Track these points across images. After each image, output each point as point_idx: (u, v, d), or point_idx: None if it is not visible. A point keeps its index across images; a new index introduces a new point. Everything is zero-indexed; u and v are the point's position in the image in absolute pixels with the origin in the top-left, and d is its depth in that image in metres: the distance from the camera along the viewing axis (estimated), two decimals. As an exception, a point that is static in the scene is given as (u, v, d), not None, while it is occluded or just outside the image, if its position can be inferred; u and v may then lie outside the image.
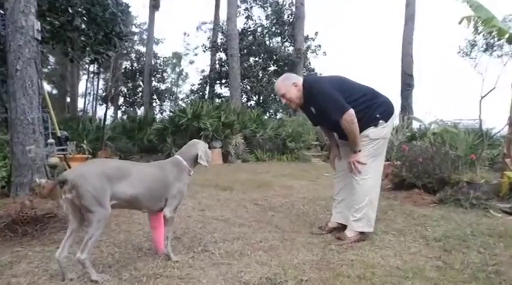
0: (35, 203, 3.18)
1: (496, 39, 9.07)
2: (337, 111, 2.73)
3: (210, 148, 2.75)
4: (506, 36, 4.62)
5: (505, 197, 4.15)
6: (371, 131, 2.84)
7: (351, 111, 2.70)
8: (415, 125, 9.90)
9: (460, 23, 4.70)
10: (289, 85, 2.91)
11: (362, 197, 2.85)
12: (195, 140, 2.64)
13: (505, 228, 3.16)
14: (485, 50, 10.23)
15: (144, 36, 26.86)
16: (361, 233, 2.87)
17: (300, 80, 2.93)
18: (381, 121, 2.85)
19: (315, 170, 8.12)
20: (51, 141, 4.14)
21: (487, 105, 5.25)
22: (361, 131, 2.81)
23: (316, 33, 20.03)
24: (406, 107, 13.12)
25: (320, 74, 20.88)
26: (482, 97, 5.00)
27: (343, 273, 2.23)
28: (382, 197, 4.56)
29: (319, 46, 20.05)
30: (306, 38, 18.91)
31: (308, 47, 19.40)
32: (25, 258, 2.46)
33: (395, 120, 3.06)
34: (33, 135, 4.21)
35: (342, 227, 3.05)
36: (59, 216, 3.17)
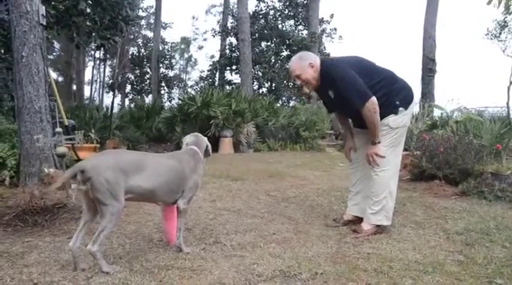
0: (44, 193, 3.26)
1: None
2: (359, 98, 2.67)
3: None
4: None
5: (533, 189, 4.08)
6: (391, 119, 2.80)
7: (374, 99, 2.65)
8: (437, 113, 9.73)
9: (489, 3, 4.58)
10: (305, 65, 2.81)
11: (381, 190, 2.83)
12: (196, 133, 2.71)
13: (532, 221, 3.11)
14: (518, 31, 9.91)
15: (151, 21, 26.89)
16: (378, 226, 2.87)
17: (316, 60, 2.84)
18: (400, 108, 2.80)
19: (329, 160, 8.10)
20: (58, 130, 4.19)
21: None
22: (380, 119, 2.76)
23: (331, 16, 19.79)
24: (427, 94, 12.90)
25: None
26: (511, 83, 4.88)
27: (359, 267, 2.24)
28: (400, 189, 4.53)
29: (335, 29, 19.84)
30: (321, 21, 18.70)
31: (323, 31, 19.19)
32: (36, 248, 2.54)
33: (415, 107, 3.00)
34: (41, 123, 4.28)
35: (358, 220, 3.06)
36: (68, 206, 3.25)
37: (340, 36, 19.87)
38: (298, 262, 2.30)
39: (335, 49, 25.14)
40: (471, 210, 3.49)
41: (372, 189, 2.88)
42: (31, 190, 3.29)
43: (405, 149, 6.46)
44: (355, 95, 2.68)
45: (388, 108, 2.78)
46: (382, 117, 2.77)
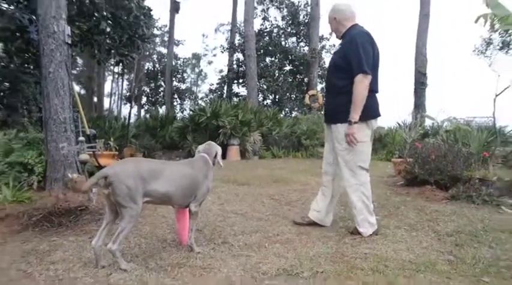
0: (68, 197, 3.31)
1: None
2: (360, 65, 2.61)
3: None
4: (522, 34, 4.49)
5: (518, 194, 4.05)
6: (345, 129, 2.73)
7: (370, 77, 2.62)
8: (428, 123, 9.71)
9: (476, 21, 4.58)
10: (332, 18, 2.89)
11: (357, 200, 2.80)
12: (208, 142, 2.70)
13: (517, 224, 3.09)
14: (501, 48, 9.90)
15: (165, 38, 27.16)
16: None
17: (349, 18, 2.84)
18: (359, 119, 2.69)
19: (329, 167, 8.05)
20: (81, 138, 4.26)
21: (502, 103, 5.13)
22: (335, 121, 2.78)
23: (330, 33, 19.77)
24: (419, 105, 12.86)
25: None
26: (496, 95, 4.88)
27: (357, 266, 2.24)
28: (395, 193, 4.55)
29: (334, 45, 19.80)
30: (321, 38, 18.76)
31: (323, 47, 19.24)
32: (61, 246, 2.57)
33: (374, 125, 2.84)
34: (65, 133, 4.34)
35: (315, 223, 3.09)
36: (89, 209, 3.29)
37: (339, 52, 19.88)
38: (300, 261, 2.31)
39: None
40: (460, 213, 3.47)
41: (350, 201, 2.87)
42: (56, 194, 3.35)
43: (399, 156, 6.49)
44: (357, 60, 2.62)
45: (345, 113, 2.70)
46: (338, 121, 2.76)
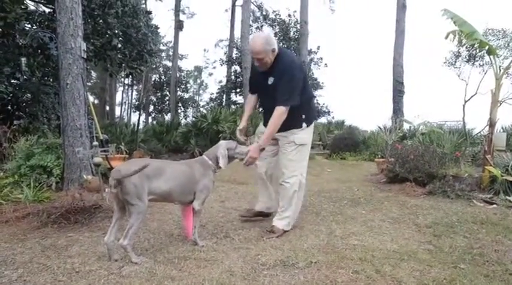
0: (83, 196, 3.26)
1: (477, 50, 8.87)
2: (287, 98, 2.46)
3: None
4: (486, 47, 4.52)
5: (486, 189, 4.07)
6: (296, 137, 2.65)
7: (287, 110, 2.48)
8: (406, 126, 9.75)
9: (446, 37, 4.62)
10: (269, 50, 2.48)
11: (287, 200, 2.69)
12: (221, 142, 2.57)
13: (486, 216, 3.10)
14: (468, 60, 9.98)
15: (170, 53, 27.10)
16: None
17: (277, 47, 2.53)
18: (304, 124, 2.67)
19: (318, 167, 8.06)
20: (95, 143, 4.21)
21: (469, 108, 5.18)
22: (286, 129, 2.60)
23: (318, 47, 19.96)
24: (398, 111, 12.90)
25: (322, 83, 20.83)
26: (465, 102, 4.91)
27: (346, 256, 2.22)
28: (379, 190, 4.55)
29: (321, 58, 19.97)
30: (310, 52, 18.82)
31: (311, 60, 19.31)
32: (77, 242, 2.53)
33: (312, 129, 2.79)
34: (81, 138, 4.30)
35: (264, 213, 3.02)
36: (103, 207, 3.24)
37: (326, 64, 20.00)
38: (296, 253, 2.29)
39: (322, 75, 25.28)
40: (437, 207, 3.47)
41: (280, 199, 2.74)
42: (73, 193, 3.30)
43: (381, 157, 6.49)
44: (287, 93, 2.46)
45: (294, 120, 2.60)
46: (289, 128, 2.61)
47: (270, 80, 2.56)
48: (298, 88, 2.52)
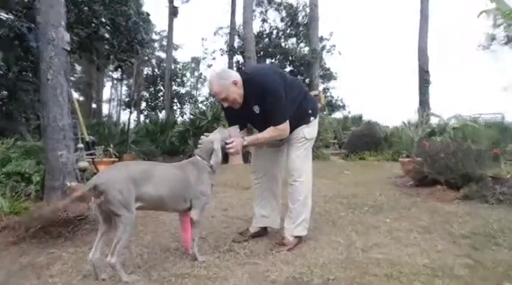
0: (67, 206, 3.24)
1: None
2: (281, 117, 2.51)
3: None
4: (529, 27, 4.42)
5: (533, 192, 3.96)
6: (306, 131, 2.70)
7: (287, 123, 2.55)
8: (434, 121, 9.63)
9: (478, 16, 4.52)
10: (229, 84, 2.44)
11: (301, 200, 2.70)
12: (213, 135, 2.48)
13: (535, 224, 3.01)
14: (506, 43, 9.82)
15: (164, 43, 27.22)
16: (299, 237, 2.72)
17: (237, 76, 2.49)
18: (311, 117, 2.73)
19: (334, 168, 8.00)
20: (80, 146, 4.21)
21: (509, 98, 5.07)
22: (294, 129, 2.65)
23: (330, 34, 19.89)
24: (424, 103, 12.80)
25: (335, 73, 20.73)
26: (504, 91, 4.80)
27: (369, 272, 2.16)
28: (405, 194, 4.48)
29: (334, 46, 19.89)
30: (321, 39, 18.74)
31: (323, 47, 19.23)
32: (60, 259, 2.50)
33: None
34: (64, 140, 4.28)
35: (263, 231, 2.95)
36: (89, 218, 3.22)
37: (339, 52, 19.91)
38: (310, 269, 2.23)
39: (335, 63, 25.22)
40: (475, 214, 3.39)
41: (292, 201, 2.72)
42: (55, 203, 3.28)
43: (407, 156, 6.41)
44: (279, 113, 2.51)
45: (301, 118, 2.68)
46: (296, 127, 2.67)
47: (256, 109, 2.55)
48: (285, 102, 2.53)
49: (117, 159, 6.72)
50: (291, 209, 2.73)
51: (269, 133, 2.54)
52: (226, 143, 2.46)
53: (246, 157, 9.64)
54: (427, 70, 13.24)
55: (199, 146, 2.48)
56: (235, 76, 2.49)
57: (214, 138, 2.44)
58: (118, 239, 2.02)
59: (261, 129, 2.66)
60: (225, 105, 2.53)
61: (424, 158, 4.75)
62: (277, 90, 2.49)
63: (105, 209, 2.04)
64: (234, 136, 2.54)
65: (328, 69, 19.98)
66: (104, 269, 2.16)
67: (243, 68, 18.50)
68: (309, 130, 2.74)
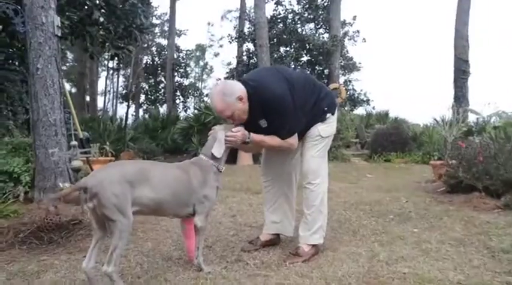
0: (59, 209, 3.33)
1: None
2: (287, 132, 2.61)
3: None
4: None
5: None
6: (321, 128, 2.73)
7: (295, 138, 2.66)
8: (472, 118, 9.52)
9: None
10: (234, 101, 2.44)
11: (317, 206, 2.73)
12: (216, 127, 2.57)
13: None
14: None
15: (166, 28, 27.45)
16: (315, 245, 2.74)
17: (242, 90, 2.50)
18: (328, 114, 2.75)
19: (355, 171, 7.98)
20: (74, 143, 4.28)
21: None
22: (309, 127, 2.72)
23: (354, 18, 19.76)
24: (461, 98, 12.60)
25: (359, 63, 20.60)
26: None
27: (394, 288, 2.17)
28: (436, 201, 4.46)
29: (358, 32, 19.77)
30: (343, 23, 18.67)
31: (345, 33, 19.15)
32: (51, 267, 2.57)
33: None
34: (56, 137, 4.38)
35: (276, 239, 2.98)
36: (84, 223, 3.31)
37: (364, 39, 19.79)
38: (327, 282, 2.25)
39: (359, 52, 25.05)
40: (517, 225, 3.36)
41: (307, 207, 2.76)
42: (46, 206, 3.36)
43: (439, 158, 6.37)
44: (288, 126, 2.60)
45: (316, 116, 2.72)
46: (310, 125, 2.72)
47: (263, 123, 2.61)
48: (296, 114, 2.59)
49: (113, 158, 6.82)
50: (306, 215, 2.76)
51: (276, 141, 2.62)
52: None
53: (256, 157, 9.68)
54: (466, 60, 13.00)
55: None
56: (240, 90, 2.49)
57: (218, 129, 2.52)
58: (114, 246, 2.05)
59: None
60: (231, 122, 2.58)
61: (459, 161, 4.72)
62: (283, 102, 2.53)
63: (99, 214, 2.07)
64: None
65: (351, 59, 19.89)
66: (99, 279, 2.22)
67: (253, 60, 18.54)
68: (325, 128, 2.76)
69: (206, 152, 2.48)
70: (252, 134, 2.57)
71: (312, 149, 2.74)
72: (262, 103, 2.52)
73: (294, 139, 2.65)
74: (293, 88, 2.58)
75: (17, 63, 8.12)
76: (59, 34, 4.55)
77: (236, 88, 2.49)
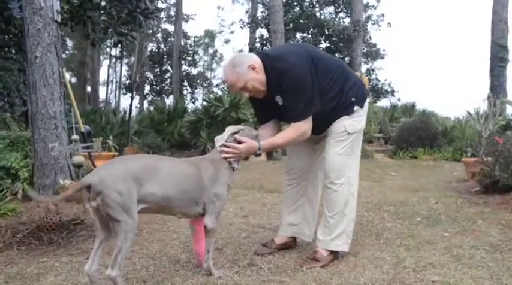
0: (59, 208, 3.38)
1: None
2: (302, 113, 2.52)
3: None
4: None
5: None
6: (347, 123, 2.64)
7: (307, 122, 2.54)
8: (510, 111, 9.36)
9: None
10: (245, 71, 2.46)
11: (340, 209, 2.66)
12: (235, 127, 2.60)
13: None
14: None
15: (172, 13, 27.54)
16: (336, 252, 2.70)
17: (255, 59, 2.52)
18: (356, 107, 2.67)
19: (379, 169, 7.94)
20: (75, 137, 4.31)
21: None
22: (333, 120, 2.65)
23: (378, 0, 19.51)
24: (498, 88, 12.41)
25: (383, 50, 20.39)
26: None
27: (423, 298, 2.16)
28: (469, 203, 4.41)
29: (382, 15, 19.62)
30: (366, 6, 18.49)
31: (368, 18, 18.99)
32: (52, 269, 2.61)
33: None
34: (56, 130, 4.43)
35: (292, 242, 2.98)
36: (86, 222, 3.35)
37: (389, 23, 19.59)
38: (349, 290, 2.25)
39: (383, 38, 24.82)
40: (560, 230, 3.30)
41: (328, 208, 2.70)
42: (46, 204, 3.42)
43: (472, 155, 6.28)
44: (299, 108, 2.51)
45: (341, 108, 2.64)
46: (335, 119, 2.65)
47: (279, 100, 2.57)
48: (312, 90, 2.53)
49: (117, 153, 6.91)
50: (327, 217, 2.72)
51: (287, 136, 2.59)
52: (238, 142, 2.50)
53: (269, 152, 9.69)
54: (505, 45, 12.76)
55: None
56: (253, 59, 2.51)
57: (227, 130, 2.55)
58: (118, 248, 2.06)
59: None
60: (246, 95, 2.59)
61: (496, 159, 4.65)
62: (300, 78, 2.49)
63: (103, 213, 2.09)
64: (262, 136, 2.61)
65: (374, 46, 19.70)
66: (103, 282, 2.25)
67: (267, 47, 18.49)
68: (352, 122, 2.67)
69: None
70: (261, 142, 2.54)
71: (336, 146, 2.67)
72: (278, 77, 2.51)
73: (306, 124, 2.55)
74: (316, 69, 2.55)
75: (13, 51, 8.22)
76: (59, 19, 4.58)
77: (246, 58, 2.54)
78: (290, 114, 2.56)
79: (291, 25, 18.34)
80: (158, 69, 26.82)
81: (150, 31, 23.95)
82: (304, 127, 2.55)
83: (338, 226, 2.68)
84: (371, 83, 18.92)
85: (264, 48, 19.30)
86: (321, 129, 2.68)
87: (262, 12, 20.16)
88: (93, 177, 2.09)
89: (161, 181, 2.20)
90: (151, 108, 20.10)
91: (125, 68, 28.73)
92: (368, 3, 19.00)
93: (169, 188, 2.23)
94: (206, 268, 2.47)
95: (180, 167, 2.37)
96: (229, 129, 2.55)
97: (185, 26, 26.69)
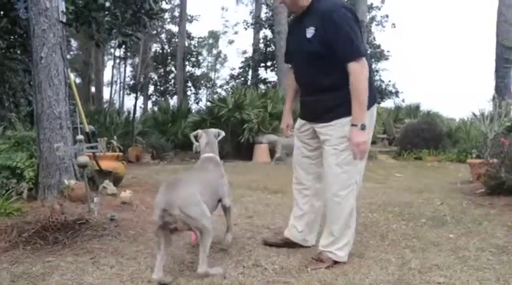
0: (64, 208, 3.40)
1: None
2: (353, 48, 2.36)
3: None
4: None
5: None
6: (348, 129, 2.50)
7: (366, 64, 2.39)
8: (515, 112, 9.31)
9: None
10: None
11: (344, 221, 2.62)
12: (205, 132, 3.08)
13: None
14: None
15: (176, 14, 27.60)
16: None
17: None
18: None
19: (383, 170, 7.92)
20: (80, 137, 4.32)
21: None
22: (335, 117, 2.54)
23: (382, 1, 19.52)
24: (503, 89, 12.34)
25: (387, 51, 20.37)
26: None
27: (428, 299, 2.15)
28: (474, 204, 4.40)
29: (387, 16, 19.61)
30: (370, 7, 18.47)
31: (372, 18, 18.98)
32: (57, 269, 2.62)
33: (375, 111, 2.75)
34: (61, 130, 4.45)
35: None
36: (90, 222, 3.35)
37: (393, 24, 19.58)
38: (354, 291, 2.25)
39: (387, 39, 24.82)
40: None
41: (333, 221, 2.65)
42: (51, 204, 3.43)
43: (477, 156, 6.26)
44: (349, 43, 2.35)
45: (346, 103, 2.44)
46: (337, 116, 2.53)
47: (309, 32, 2.45)
48: (358, 37, 2.41)
49: (121, 153, 6.92)
50: (332, 230, 2.66)
51: (352, 84, 2.37)
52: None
53: (273, 153, 9.69)
54: (510, 47, 12.70)
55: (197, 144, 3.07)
56: None
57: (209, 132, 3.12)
58: (204, 247, 2.37)
59: (302, 73, 2.75)
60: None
61: (502, 160, 4.64)
62: (346, 16, 2.39)
63: (185, 229, 2.47)
64: (288, 126, 3.19)
65: (378, 47, 19.68)
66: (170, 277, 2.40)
67: (270, 49, 18.43)
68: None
69: (213, 150, 3.02)
70: (353, 117, 2.40)
71: (338, 156, 2.56)
72: (321, 7, 2.46)
73: (365, 67, 2.38)
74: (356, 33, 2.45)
75: (19, 52, 8.25)
76: (64, 20, 4.61)
77: None
78: (347, 50, 2.38)
79: (295, 26, 18.34)
80: (162, 70, 26.86)
81: (154, 32, 23.97)
82: (363, 61, 2.39)
83: (342, 239, 2.65)
84: (375, 84, 18.91)
85: (268, 49, 19.32)
86: (325, 114, 2.60)
87: (266, 13, 20.16)
88: (171, 202, 2.33)
89: (202, 190, 2.56)
90: (155, 108, 20.21)
91: (129, 69, 28.83)
92: (372, 4, 19.02)
93: (206, 194, 2.58)
94: (227, 240, 2.96)
95: (204, 176, 2.81)
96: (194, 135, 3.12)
97: (189, 27, 26.77)
